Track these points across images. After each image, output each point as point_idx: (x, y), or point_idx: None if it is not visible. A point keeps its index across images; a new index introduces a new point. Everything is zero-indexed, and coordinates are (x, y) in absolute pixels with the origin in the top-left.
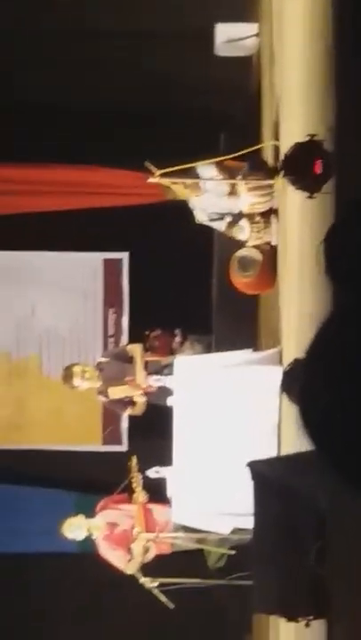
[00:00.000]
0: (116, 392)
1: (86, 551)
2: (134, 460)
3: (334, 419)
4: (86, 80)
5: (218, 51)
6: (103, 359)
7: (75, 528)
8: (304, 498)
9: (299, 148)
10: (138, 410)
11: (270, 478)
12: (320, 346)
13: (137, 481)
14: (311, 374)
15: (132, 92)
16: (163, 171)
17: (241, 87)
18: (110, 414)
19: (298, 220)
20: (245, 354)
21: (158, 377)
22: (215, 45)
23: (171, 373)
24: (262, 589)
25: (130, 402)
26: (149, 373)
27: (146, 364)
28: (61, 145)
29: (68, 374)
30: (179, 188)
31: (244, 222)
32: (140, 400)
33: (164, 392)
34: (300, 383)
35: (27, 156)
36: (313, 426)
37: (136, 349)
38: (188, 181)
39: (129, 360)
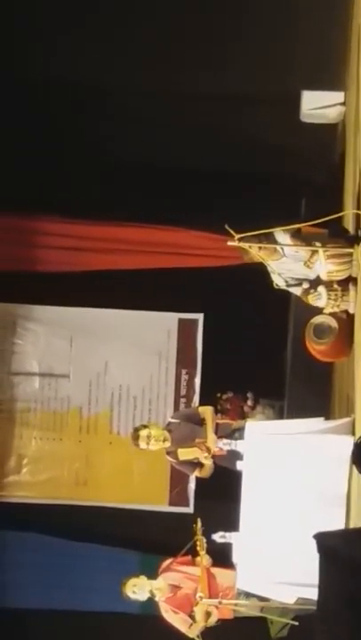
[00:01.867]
0: (186, 454)
1: (148, 613)
2: (199, 523)
3: None
4: (172, 141)
5: (304, 117)
6: (174, 420)
7: (137, 589)
8: None
9: None
10: (206, 472)
11: (338, 551)
12: None
13: (201, 544)
14: None
15: (214, 154)
16: (242, 235)
17: (325, 155)
18: (178, 475)
19: None
20: (317, 422)
21: (228, 441)
22: (301, 112)
23: (241, 437)
24: None
25: (198, 463)
26: (220, 437)
27: (217, 427)
28: (144, 204)
29: (134, 436)
30: (257, 252)
31: (321, 289)
32: (208, 463)
33: (234, 455)
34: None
35: (106, 215)
36: None
37: (207, 411)
38: (267, 246)
39: (199, 422)
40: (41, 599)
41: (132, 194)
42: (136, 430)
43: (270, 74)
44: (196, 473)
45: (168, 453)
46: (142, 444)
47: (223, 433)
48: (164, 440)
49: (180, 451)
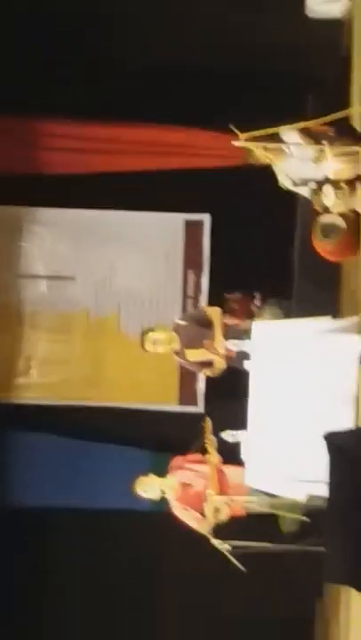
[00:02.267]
0: (194, 355)
1: (159, 510)
2: (208, 422)
3: None
4: (175, 40)
5: (309, 12)
6: (181, 322)
7: (148, 487)
8: None
9: None
10: (215, 371)
11: (348, 449)
12: None
13: (211, 443)
14: None
15: (219, 52)
16: (248, 134)
17: (331, 51)
18: (187, 374)
19: None
20: (325, 321)
21: (237, 341)
22: (306, 7)
23: (249, 338)
24: (334, 560)
25: (207, 363)
26: (228, 339)
27: (225, 329)
28: (147, 104)
29: (141, 340)
30: (263, 152)
31: (328, 188)
32: (219, 362)
33: (242, 356)
34: None
35: (111, 115)
36: None
37: (215, 313)
38: (273, 146)
39: (207, 324)
40: (54, 498)
41: (136, 94)
42: (143, 334)
43: None
44: (205, 371)
45: (176, 354)
46: (149, 347)
47: (231, 335)
48: (171, 342)
49: (187, 352)
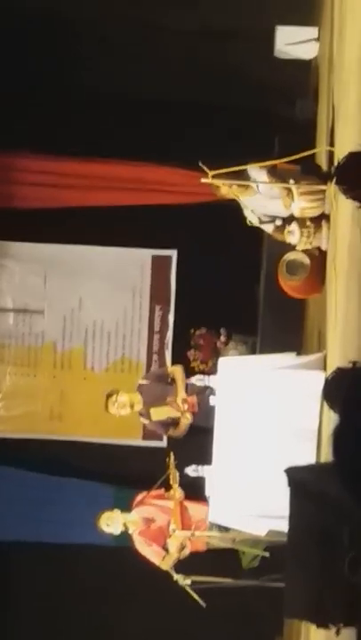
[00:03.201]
0: (158, 413)
1: (122, 545)
2: (172, 457)
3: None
4: (146, 75)
5: (278, 53)
6: (144, 381)
7: (111, 522)
8: (340, 506)
9: (352, 157)
10: (180, 431)
11: (307, 484)
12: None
13: (174, 477)
14: (346, 419)
15: (188, 90)
16: (216, 172)
17: (299, 91)
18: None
19: (349, 227)
20: (289, 357)
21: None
22: (275, 48)
23: (212, 394)
24: (294, 594)
25: (172, 423)
26: (190, 394)
27: (187, 386)
28: (116, 140)
29: (105, 403)
30: (230, 189)
31: (294, 226)
32: (184, 420)
33: (208, 414)
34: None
35: (80, 151)
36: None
37: (177, 370)
38: (240, 183)
39: (170, 381)
40: (17, 531)
41: (106, 129)
42: (106, 397)
43: (245, 9)
44: (170, 432)
45: (141, 415)
46: (112, 410)
47: (193, 391)
48: (134, 403)
49: (152, 410)
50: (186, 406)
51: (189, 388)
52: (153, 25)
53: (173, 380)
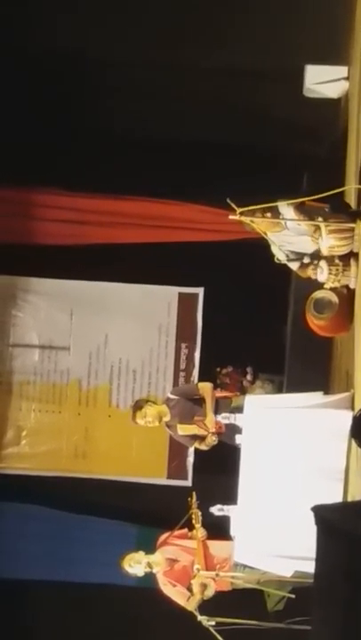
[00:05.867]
0: (185, 429)
1: (143, 585)
2: (194, 497)
3: None
4: (174, 114)
5: (307, 92)
6: (173, 396)
7: (135, 563)
8: None
9: None
10: (207, 444)
11: (335, 524)
12: None
13: (197, 517)
14: None
15: (218, 129)
16: (244, 209)
17: (328, 129)
18: (177, 448)
19: None
20: (316, 396)
21: (228, 414)
22: (304, 87)
23: (240, 412)
24: (320, 637)
25: (199, 436)
26: (218, 414)
27: (216, 405)
28: (145, 178)
29: (132, 414)
30: (258, 226)
31: (322, 264)
32: (211, 438)
33: (234, 431)
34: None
35: (108, 188)
36: None
37: (206, 388)
38: (268, 220)
39: (198, 399)
40: (40, 570)
41: (134, 167)
42: (134, 408)
43: (274, 48)
44: (197, 445)
45: (168, 426)
46: (140, 421)
47: (222, 410)
48: (162, 416)
49: (179, 426)
50: (213, 428)
51: (219, 408)
52: (181, 65)
53: (202, 399)
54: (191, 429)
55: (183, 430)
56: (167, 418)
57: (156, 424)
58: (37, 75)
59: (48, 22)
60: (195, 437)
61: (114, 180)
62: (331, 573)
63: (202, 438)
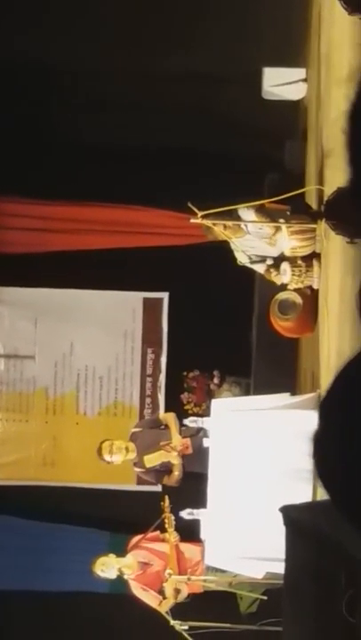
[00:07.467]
0: (151, 460)
1: (118, 591)
2: (167, 500)
3: (347, 471)
4: (135, 120)
5: (265, 94)
6: (136, 429)
7: (106, 567)
8: (337, 545)
9: (341, 192)
10: (174, 479)
11: (303, 524)
12: (338, 390)
13: (169, 521)
14: (326, 421)
15: (177, 133)
16: (205, 212)
17: (287, 131)
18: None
19: (340, 265)
20: (283, 397)
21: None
22: (263, 89)
23: (206, 435)
24: (292, 637)
25: (166, 470)
26: (184, 437)
27: (180, 430)
28: (104, 184)
29: (98, 450)
30: (220, 230)
31: (285, 265)
32: (177, 462)
33: (201, 457)
34: (314, 430)
35: (69, 195)
36: (325, 478)
37: (169, 417)
38: (230, 223)
39: (164, 428)
40: (11, 580)
41: (94, 173)
42: (100, 445)
43: (232, 51)
44: (165, 481)
45: (135, 464)
46: (106, 456)
47: (187, 433)
48: (128, 450)
49: (145, 458)
50: (179, 447)
51: (183, 432)
52: (140, 71)
53: (167, 427)
54: (158, 457)
55: (150, 461)
56: (133, 453)
57: (122, 456)
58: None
59: (13, 30)
60: (162, 472)
61: (75, 187)
62: (300, 573)
63: (169, 472)
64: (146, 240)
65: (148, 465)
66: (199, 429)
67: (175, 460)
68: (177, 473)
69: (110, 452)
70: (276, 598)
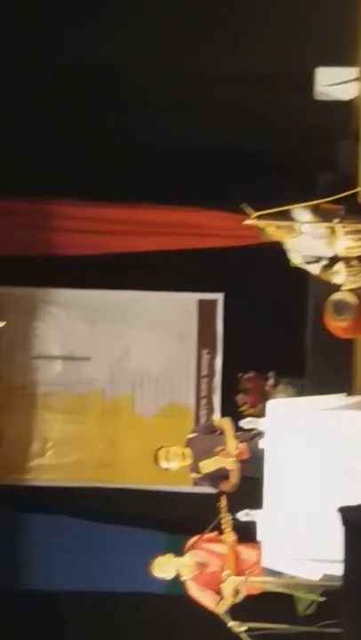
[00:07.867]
0: (207, 465)
1: (175, 592)
2: (224, 502)
3: None
4: (187, 121)
5: (318, 95)
6: (192, 435)
7: (164, 567)
8: None
9: None
10: (230, 484)
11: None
12: None
13: (226, 522)
14: None
15: (230, 134)
16: (259, 213)
17: (340, 131)
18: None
19: None
20: (339, 398)
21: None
22: (315, 89)
23: (262, 437)
24: (350, 635)
25: (222, 476)
26: (241, 441)
27: (236, 435)
28: (161, 186)
29: (154, 457)
30: (274, 230)
31: (339, 266)
32: (233, 468)
33: (257, 461)
34: None
35: (124, 197)
36: None
37: (224, 422)
38: (284, 224)
39: (219, 433)
40: (69, 581)
41: (149, 175)
42: (156, 451)
43: (284, 51)
44: (221, 486)
45: (191, 470)
46: (163, 463)
47: (243, 438)
48: (184, 456)
49: (201, 464)
50: (235, 452)
51: (239, 437)
52: (191, 72)
53: (222, 432)
54: (213, 463)
55: (205, 467)
56: (189, 460)
57: (179, 462)
58: (49, 87)
59: (60, 34)
60: (219, 478)
61: (129, 189)
62: (358, 574)
63: (226, 477)
64: (200, 242)
65: (203, 471)
66: (254, 435)
67: (231, 466)
68: (233, 478)
69: (167, 459)
70: (334, 600)
